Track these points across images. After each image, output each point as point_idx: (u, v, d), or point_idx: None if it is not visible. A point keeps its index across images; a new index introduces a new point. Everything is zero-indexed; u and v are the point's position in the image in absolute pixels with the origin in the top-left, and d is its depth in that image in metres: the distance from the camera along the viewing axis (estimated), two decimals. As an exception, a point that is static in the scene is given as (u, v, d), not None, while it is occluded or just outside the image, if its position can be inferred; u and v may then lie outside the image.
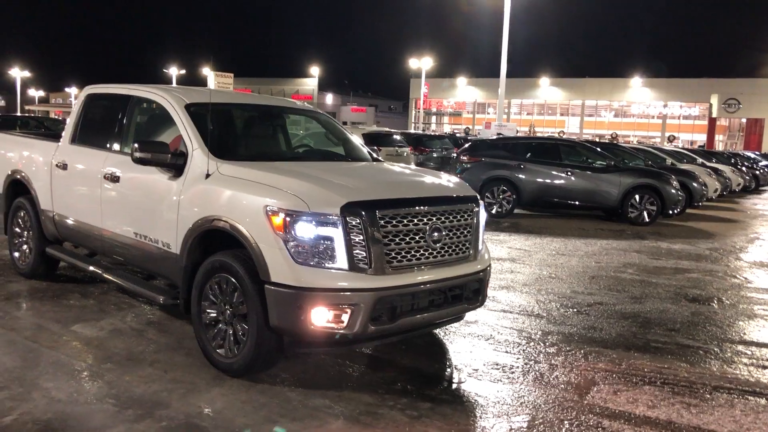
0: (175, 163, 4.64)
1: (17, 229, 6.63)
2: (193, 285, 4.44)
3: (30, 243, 6.44)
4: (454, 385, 4.40)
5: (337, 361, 4.67)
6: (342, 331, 3.91)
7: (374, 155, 5.83)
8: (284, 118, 5.98)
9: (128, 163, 4.91)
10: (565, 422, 3.88)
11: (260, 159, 4.96)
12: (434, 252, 4.29)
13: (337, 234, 3.90)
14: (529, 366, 4.78)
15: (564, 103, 71.60)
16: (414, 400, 4.08)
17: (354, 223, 3.93)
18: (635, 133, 66.16)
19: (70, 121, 6.10)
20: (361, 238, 3.94)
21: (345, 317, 3.89)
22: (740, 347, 5.53)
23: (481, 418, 3.93)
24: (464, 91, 74.79)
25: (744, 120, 61.65)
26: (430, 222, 4.25)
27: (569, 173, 13.66)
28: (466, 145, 16.05)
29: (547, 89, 69.95)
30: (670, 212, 13.57)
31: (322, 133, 6.18)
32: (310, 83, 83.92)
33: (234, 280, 4.15)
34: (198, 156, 4.59)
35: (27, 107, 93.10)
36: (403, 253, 4.11)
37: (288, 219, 3.89)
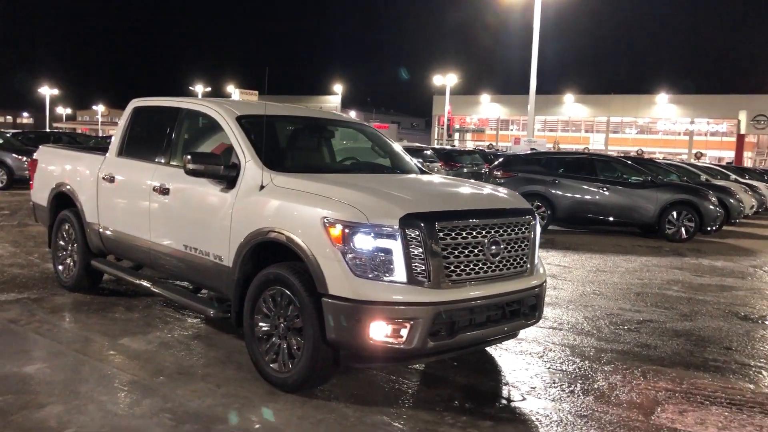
0: (227, 175, 4.60)
1: (61, 242, 6.62)
2: (246, 298, 4.38)
3: (74, 256, 6.42)
4: (514, 403, 4.27)
5: (390, 377, 4.56)
6: (401, 346, 3.81)
7: (421, 167, 5.75)
8: (332, 131, 5.94)
9: (178, 175, 4.90)
10: (634, 443, 3.73)
11: (311, 171, 4.92)
12: (492, 266, 4.17)
13: (395, 246, 3.81)
14: (587, 384, 4.63)
15: (588, 120, 71.07)
16: (474, 418, 3.95)
17: (413, 235, 3.83)
18: (661, 149, 65.36)
19: (117, 134, 6.10)
20: (420, 250, 3.84)
21: (404, 332, 3.78)
22: (803, 367, 5.33)
23: (545, 437, 3.80)
24: (487, 107, 74.64)
25: (773, 136, 60.68)
26: (488, 235, 4.15)
27: (605, 189, 13.46)
28: (500, 160, 15.89)
29: (571, 105, 69.55)
30: (709, 229, 13.27)
31: (368, 145, 6.12)
32: (333, 100, 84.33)
33: (289, 293, 4.08)
34: (251, 168, 4.54)
35: (55, 124, 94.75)
36: (462, 267, 4.01)
37: (346, 231, 3.82)
